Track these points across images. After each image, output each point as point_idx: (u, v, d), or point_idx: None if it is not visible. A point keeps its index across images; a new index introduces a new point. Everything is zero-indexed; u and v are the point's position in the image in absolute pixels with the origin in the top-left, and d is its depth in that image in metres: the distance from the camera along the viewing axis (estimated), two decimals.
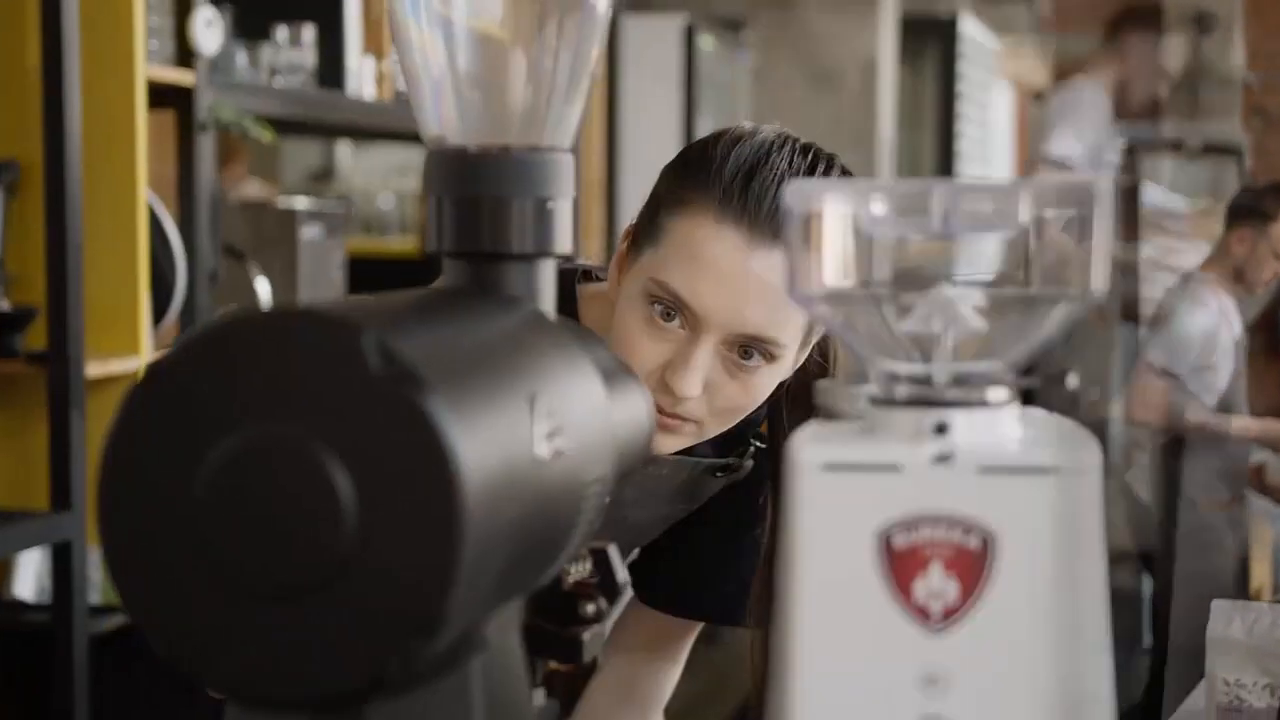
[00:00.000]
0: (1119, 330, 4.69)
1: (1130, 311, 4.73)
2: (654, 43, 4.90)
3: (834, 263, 0.67)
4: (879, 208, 0.67)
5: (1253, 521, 4.50)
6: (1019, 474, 0.63)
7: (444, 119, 0.75)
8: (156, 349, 2.60)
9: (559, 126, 0.76)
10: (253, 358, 0.58)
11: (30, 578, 2.67)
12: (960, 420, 0.65)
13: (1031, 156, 4.57)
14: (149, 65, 2.57)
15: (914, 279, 0.69)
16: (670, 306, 1.21)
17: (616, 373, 0.81)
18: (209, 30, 2.63)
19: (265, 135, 2.76)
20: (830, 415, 0.72)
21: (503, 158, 0.74)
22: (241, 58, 2.92)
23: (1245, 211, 4.43)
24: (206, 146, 2.68)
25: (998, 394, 0.67)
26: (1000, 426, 0.66)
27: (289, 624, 0.58)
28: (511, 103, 0.75)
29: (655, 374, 1.22)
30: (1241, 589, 4.36)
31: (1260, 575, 4.60)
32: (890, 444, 0.65)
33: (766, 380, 1.25)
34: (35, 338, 2.40)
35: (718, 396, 1.24)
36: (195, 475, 0.58)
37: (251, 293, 2.88)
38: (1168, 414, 4.33)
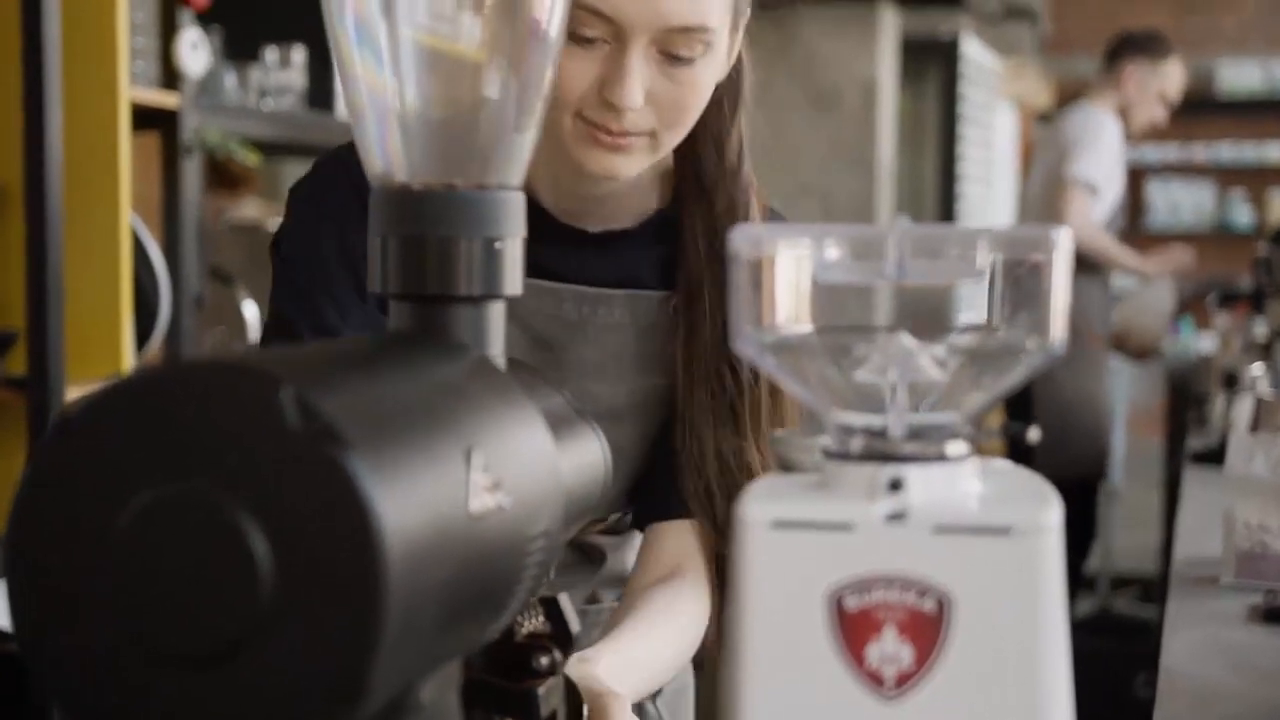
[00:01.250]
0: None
1: (1120, 341, 4.70)
2: None
3: (784, 309, 0.65)
4: (832, 253, 0.64)
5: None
6: (976, 534, 0.61)
7: (389, 155, 0.72)
8: None
9: (508, 163, 0.73)
10: (168, 411, 0.55)
11: (6, 605, 2.63)
12: (916, 476, 0.62)
13: (1036, 173, 4.53)
14: (134, 87, 2.54)
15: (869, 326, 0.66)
16: (586, 25, 1.17)
17: (568, 420, 0.78)
18: (194, 53, 2.61)
19: (251, 158, 2.74)
20: (786, 467, 0.70)
21: (449, 196, 0.71)
22: (230, 79, 2.90)
23: (1135, 48, 4.45)
24: (192, 169, 2.66)
25: (956, 448, 0.64)
26: (958, 482, 0.63)
27: (203, 690, 0.55)
28: (458, 139, 0.73)
29: (591, 94, 1.19)
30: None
31: None
32: (842, 501, 0.62)
33: (705, 73, 1.22)
34: (15, 362, 2.37)
35: (662, 102, 1.20)
36: (107, 534, 0.56)
37: (239, 316, 2.85)
38: (1095, 232, 4.34)
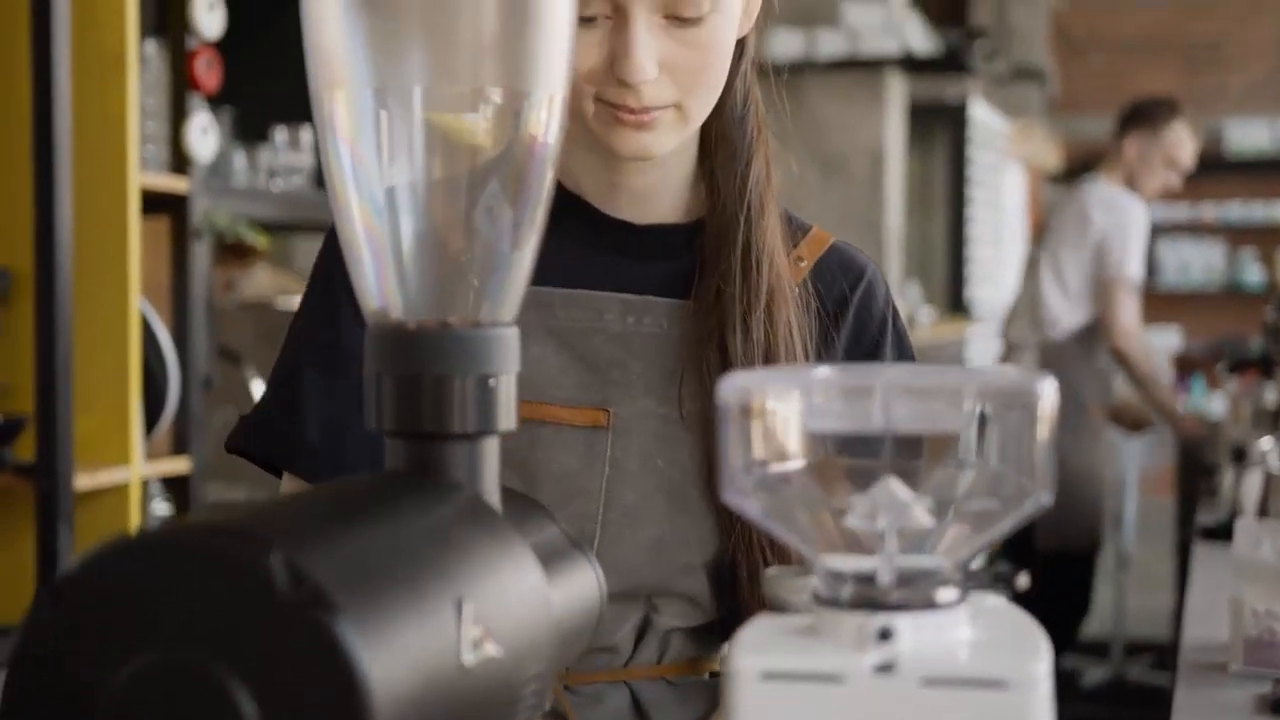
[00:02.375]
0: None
1: (1115, 414, 4.68)
2: None
3: (773, 456, 0.65)
4: (819, 400, 0.64)
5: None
6: (965, 687, 0.61)
7: (385, 293, 0.73)
8: (148, 458, 2.59)
9: (502, 298, 0.74)
10: (159, 576, 0.56)
11: None
12: (905, 625, 0.62)
13: (1057, 249, 4.48)
14: (145, 172, 2.56)
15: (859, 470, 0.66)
16: (583, 4, 1.09)
17: (561, 552, 0.78)
18: (204, 137, 2.63)
19: (260, 241, 2.76)
20: (778, 606, 0.70)
21: (444, 335, 0.72)
22: (240, 159, 2.92)
23: (1137, 118, 4.46)
24: (201, 252, 2.68)
25: (946, 594, 0.64)
26: (948, 630, 0.63)
27: None
28: (453, 277, 0.73)
29: (604, 74, 1.12)
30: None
31: None
32: (832, 651, 0.62)
33: (720, 32, 1.15)
34: (24, 449, 2.38)
35: (678, 69, 1.13)
36: (98, 700, 0.56)
37: (247, 395, 2.86)
38: (1147, 345, 4.34)
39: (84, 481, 2.38)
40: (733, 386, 0.65)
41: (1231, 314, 9.40)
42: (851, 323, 1.28)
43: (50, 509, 2.29)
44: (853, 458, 0.66)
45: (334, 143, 0.72)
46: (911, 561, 0.65)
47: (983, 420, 0.64)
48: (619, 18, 1.11)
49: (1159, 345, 8.13)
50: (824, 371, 0.66)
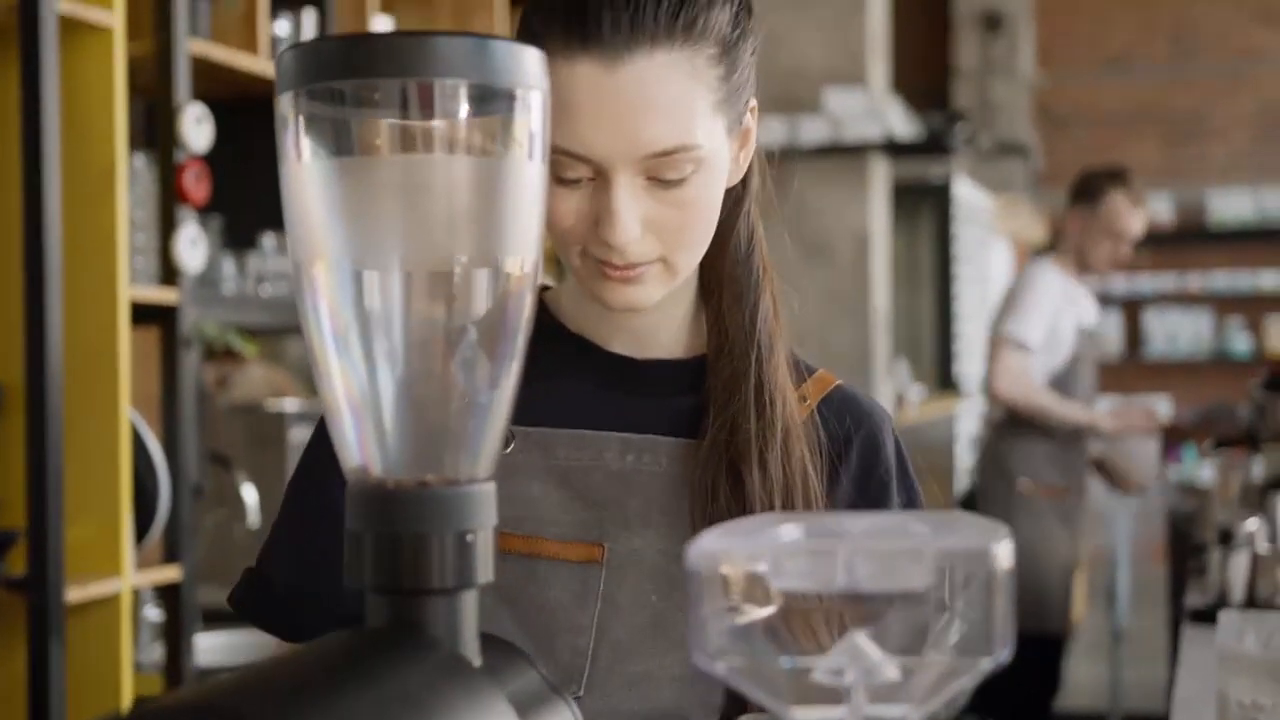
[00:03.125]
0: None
1: (1106, 475, 4.69)
2: None
3: (740, 615, 0.67)
4: (785, 561, 0.66)
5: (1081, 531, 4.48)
6: None
7: (366, 454, 0.75)
8: (139, 568, 2.60)
9: (479, 453, 0.76)
10: None
11: None
12: None
13: (993, 332, 4.55)
14: (134, 285, 2.59)
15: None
16: (566, 168, 1.12)
17: (540, 698, 0.80)
18: (193, 249, 2.66)
19: (249, 350, 2.78)
20: None
21: (422, 494, 0.74)
22: (229, 266, 2.96)
23: (1078, 193, 4.50)
24: (190, 361, 2.70)
25: None
26: None
27: None
28: (431, 436, 0.76)
29: (584, 231, 1.14)
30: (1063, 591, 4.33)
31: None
32: None
33: (705, 189, 1.15)
34: (15, 563, 2.39)
35: (662, 228, 1.14)
36: None
37: (238, 501, 2.88)
38: (1025, 389, 4.32)
39: (75, 594, 2.39)
40: (700, 551, 0.67)
41: (1220, 382, 9.45)
42: (856, 465, 1.27)
43: (42, 623, 2.30)
44: (819, 610, 0.68)
45: (315, 309, 0.75)
46: (879, 711, 0.67)
47: (950, 573, 0.66)
48: (601, 180, 1.13)
49: None
50: (789, 532, 0.68)
